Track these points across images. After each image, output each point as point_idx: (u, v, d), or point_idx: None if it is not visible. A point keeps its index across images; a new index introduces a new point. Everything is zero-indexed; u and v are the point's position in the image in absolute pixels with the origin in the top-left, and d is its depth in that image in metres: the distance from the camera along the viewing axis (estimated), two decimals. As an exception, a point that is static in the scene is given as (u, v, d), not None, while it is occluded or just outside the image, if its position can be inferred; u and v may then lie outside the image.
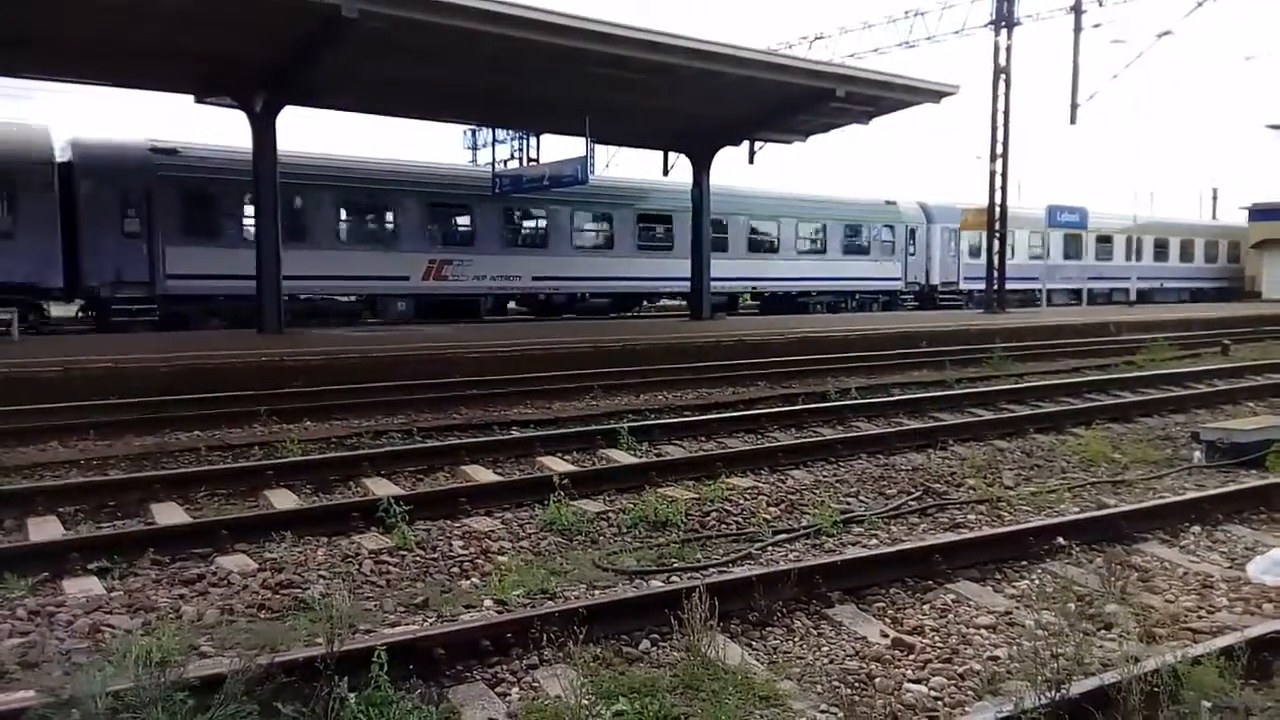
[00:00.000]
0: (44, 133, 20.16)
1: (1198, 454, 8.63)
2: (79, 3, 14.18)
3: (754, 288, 30.95)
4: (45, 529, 6.32)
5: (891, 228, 33.39)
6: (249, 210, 20.95)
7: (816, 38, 33.07)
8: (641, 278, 27.71)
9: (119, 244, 20.21)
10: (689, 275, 25.29)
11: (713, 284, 26.67)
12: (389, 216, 24.09)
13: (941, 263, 34.43)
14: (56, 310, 22.25)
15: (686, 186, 25.85)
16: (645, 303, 30.92)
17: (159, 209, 20.56)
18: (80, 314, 22.94)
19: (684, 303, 29.05)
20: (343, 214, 23.48)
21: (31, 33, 15.30)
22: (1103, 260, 38.94)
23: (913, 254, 33.94)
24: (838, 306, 32.10)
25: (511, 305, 28.35)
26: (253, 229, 20.48)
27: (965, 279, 34.40)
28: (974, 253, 33.60)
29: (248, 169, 18.99)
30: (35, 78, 19.25)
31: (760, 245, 30.25)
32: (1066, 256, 37.50)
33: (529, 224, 26.79)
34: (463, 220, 25.65)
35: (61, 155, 20.25)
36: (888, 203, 33.80)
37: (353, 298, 23.94)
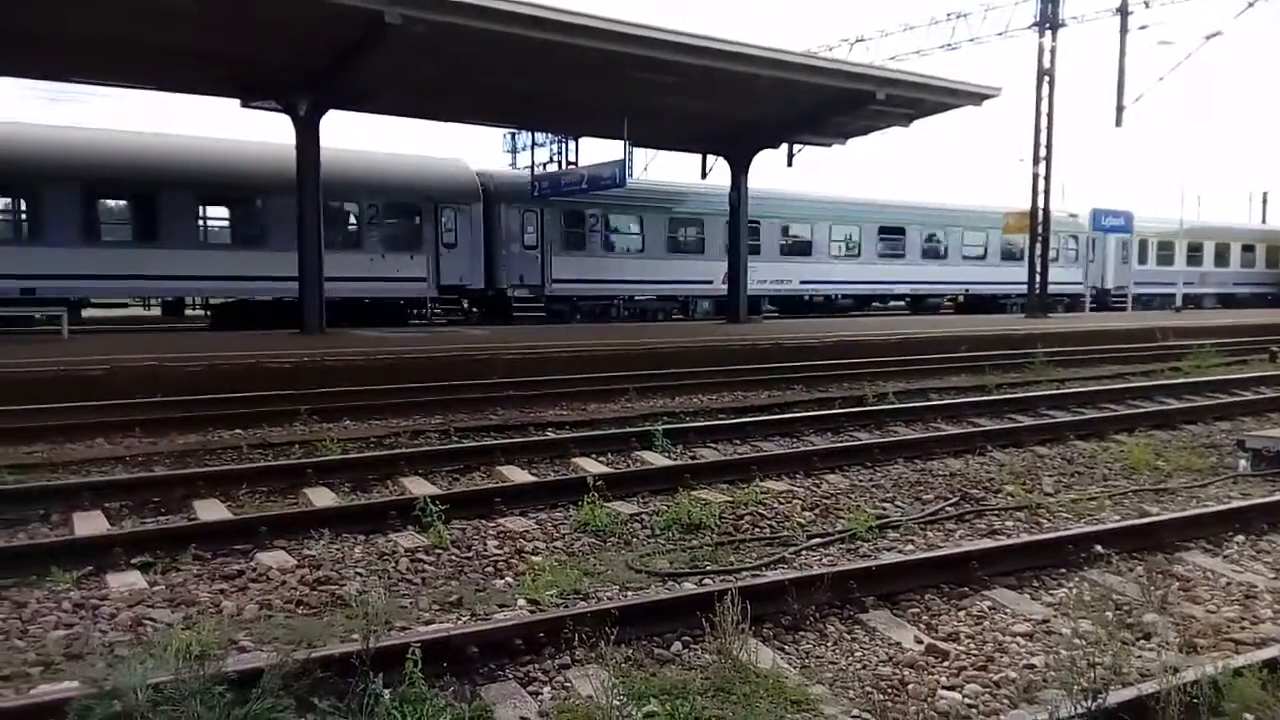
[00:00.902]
0: (466, 166, 25.66)
1: (1243, 462, 8.46)
2: (125, 9, 14.49)
3: (967, 290, 35.00)
4: (90, 524, 6.45)
5: (1076, 238, 36.97)
6: (605, 226, 27.30)
7: (857, 40, 32.97)
8: (880, 281, 32.52)
9: (521, 255, 25.70)
10: (922, 279, 29.33)
11: (935, 287, 33.10)
12: (700, 232, 28.82)
13: (1115, 269, 38.07)
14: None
15: (923, 205, 31.56)
16: (876, 303, 34.50)
17: (546, 227, 25.89)
18: (471, 308, 27.06)
19: (904, 304, 34.51)
20: (673, 231, 28.47)
21: (77, 38, 15.65)
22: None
23: (1092, 261, 37.57)
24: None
25: (766, 306, 31.15)
26: (609, 241, 27.36)
27: (1134, 284, 38.20)
28: (1141, 260, 38.50)
29: (600, 195, 24.08)
30: (81, 81, 19.78)
31: (970, 254, 34.50)
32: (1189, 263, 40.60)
33: (798, 236, 30.78)
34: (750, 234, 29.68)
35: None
36: (1071, 215, 36.84)
37: (672, 299, 29.03)
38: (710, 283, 28.07)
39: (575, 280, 26.48)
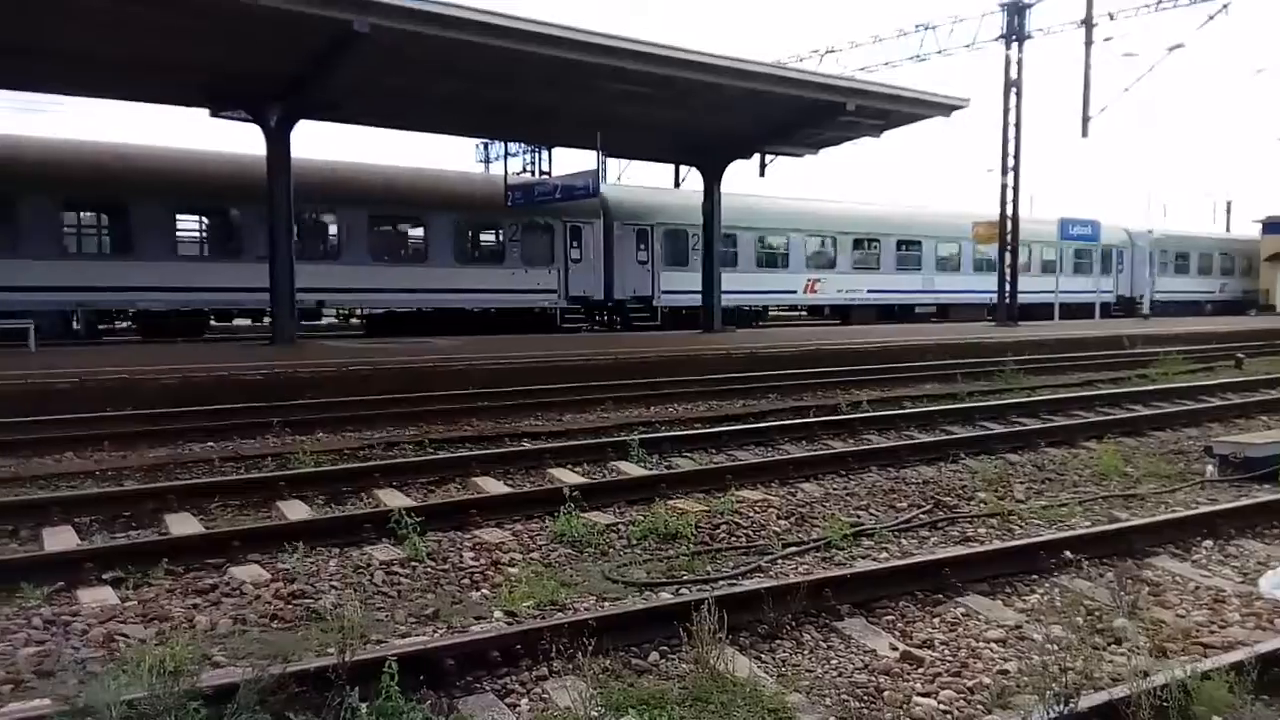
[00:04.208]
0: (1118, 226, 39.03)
1: (1210, 468, 8.59)
2: (93, 19, 14.35)
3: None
4: (60, 539, 6.37)
5: None
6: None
7: (828, 51, 33.18)
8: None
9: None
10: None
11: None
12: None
13: None
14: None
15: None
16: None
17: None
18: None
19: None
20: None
21: (43, 48, 15.48)
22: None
23: None
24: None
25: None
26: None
27: None
28: None
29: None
30: (47, 91, 19.59)
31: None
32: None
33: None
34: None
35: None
36: None
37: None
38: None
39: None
